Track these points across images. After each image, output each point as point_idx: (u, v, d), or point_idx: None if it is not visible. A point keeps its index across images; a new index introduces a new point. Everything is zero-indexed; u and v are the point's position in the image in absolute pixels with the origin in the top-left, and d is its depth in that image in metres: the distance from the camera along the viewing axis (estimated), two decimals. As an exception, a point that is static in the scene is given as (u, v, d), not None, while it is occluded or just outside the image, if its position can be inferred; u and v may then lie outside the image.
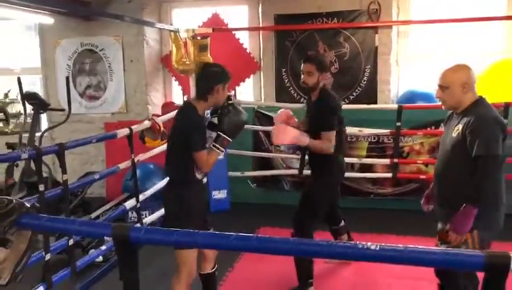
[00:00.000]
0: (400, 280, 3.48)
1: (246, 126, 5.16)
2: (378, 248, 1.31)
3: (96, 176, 3.67)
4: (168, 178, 2.94)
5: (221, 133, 2.73)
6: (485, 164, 2.35)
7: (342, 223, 3.81)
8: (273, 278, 3.69)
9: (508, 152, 2.51)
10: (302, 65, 3.36)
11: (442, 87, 2.51)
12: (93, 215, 4.88)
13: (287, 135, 3.18)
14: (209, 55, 5.31)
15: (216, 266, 3.07)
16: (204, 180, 3.44)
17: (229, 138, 2.74)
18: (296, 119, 3.55)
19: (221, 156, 5.13)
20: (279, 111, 3.56)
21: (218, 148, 2.72)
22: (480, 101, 2.49)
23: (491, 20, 5.14)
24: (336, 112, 3.32)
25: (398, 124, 4.90)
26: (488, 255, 1.29)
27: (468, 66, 2.57)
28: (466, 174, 2.39)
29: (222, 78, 2.78)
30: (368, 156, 5.24)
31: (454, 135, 2.48)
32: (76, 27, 6.03)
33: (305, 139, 3.21)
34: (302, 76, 3.37)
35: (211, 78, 2.76)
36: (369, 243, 1.31)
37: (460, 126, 2.45)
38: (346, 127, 5.07)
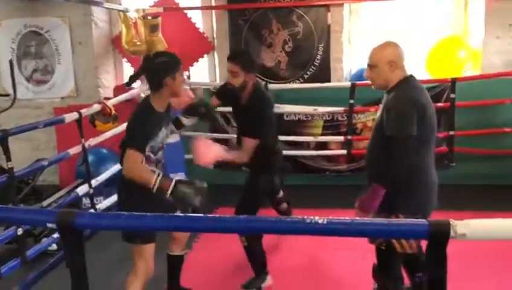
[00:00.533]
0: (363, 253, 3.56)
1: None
2: (325, 222, 1.32)
3: (46, 163, 3.54)
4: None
5: (173, 183, 2.42)
6: (397, 145, 2.30)
7: (285, 205, 3.92)
8: (232, 257, 3.70)
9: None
10: (227, 64, 3.04)
11: (370, 66, 2.48)
12: (45, 203, 4.73)
13: (209, 153, 2.93)
14: (160, 35, 5.19)
15: (186, 250, 3.05)
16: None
17: (169, 191, 2.41)
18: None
19: (176, 139, 5.08)
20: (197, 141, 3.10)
21: (156, 180, 2.40)
22: (406, 79, 2.42)
23: (439, -3, 5.27)
24: (266, 117, 3.10)
25: (352, 101, 4.97)
26: (431, 224, 1.33)
27: (396, 43, 2.53)
28: (382, 155, 2.35)
29: (169, 68, 2.53)
30: (323, 134, 5.31)
31: (378, 114, 2.49)
32: (19, 7, 5.72)
33: (230, 155, 3.12)
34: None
35: (157, 71, 2.54)
36: (316, 217, 1.32)
37: (382, 105, 2.45)
38: (302, 106, 5.19)
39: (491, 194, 4.72)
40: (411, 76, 2.46)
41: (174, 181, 2.41)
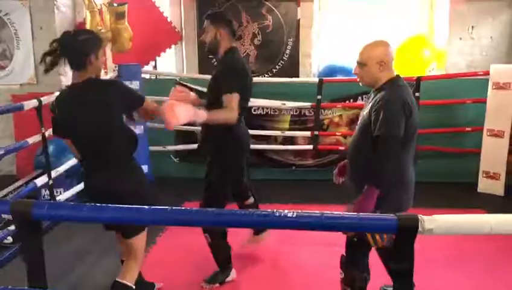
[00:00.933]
0: (326, 247, 3.59)
1: (167, 99, 5.04)
2: (295, 215, 1.31)
3: (2, 152, 3.38)
4: None
5: None
6: (384, 145, 2.30)
7: (251, 199, 3.47)
8: (197, 251, 3.65)
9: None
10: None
11: (360, 64, 2.45)
12: (1, 193, 4.53)
13: (180, 113, 2.46)
14: (126, 23, 5.05)
15: None
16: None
17: None
18: (195, 94, 3.06)
19: (140, 131, 4.96)
20: (172, 88, 2.95)
21: None
22: (394, 80, 2.42)
23: (406, -3, 5.36)
24: (240, 75, 2.81)
25: (319, 97, 5.00)
26: (399, 218, 1.33)
27: (387, 42, 2.49)
28: (370, 154, 2.35)
29: (93, 46, 2.40)
30: (290, 129, 5.31)
31: (364, 112, 2.47)
32: (-24, -12, 5.44)
33: (203, 114, 2.61)
34: None
35: (81, 49, 2.37)
36: (286, 211, 1.30)
37: (369, 105, 2.43)
38: (270, 100, 5.17)
39: (450, 191, 4.85)
40: (398, 76, 2.45)
41: None
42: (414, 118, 2.34)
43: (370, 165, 2.33)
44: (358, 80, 2.54)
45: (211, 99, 2.87)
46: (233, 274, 3.23)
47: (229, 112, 2.69)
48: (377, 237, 2.13)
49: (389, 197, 2.34)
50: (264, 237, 3.57)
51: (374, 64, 2.39)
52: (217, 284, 3.17)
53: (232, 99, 2.69)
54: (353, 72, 2.55)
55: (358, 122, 2.55)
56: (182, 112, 2.48)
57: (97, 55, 2.40)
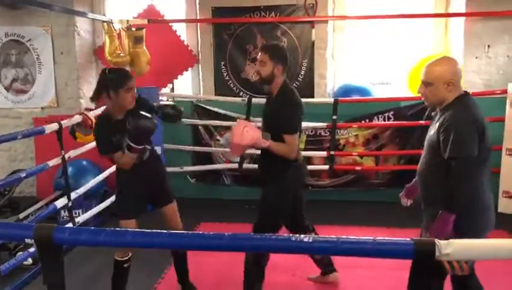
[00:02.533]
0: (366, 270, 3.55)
1: (185, 120, 5.12)
2: (311, 240, 1.31)
3: (23, 174, 3.46)
4: None
5: (126, 139, 2.79)
6: (458, 167, 2.19)
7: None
8: (214, 272, 3.65)
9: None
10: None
11: (425, 83, 2.33)
12: (21, 215, 4.62)
13: (250, 133, 2.76)
14: (144, 47, 5.17)
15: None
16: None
17: (131, 143, 2.78)
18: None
19: (158, 152, 5.03)
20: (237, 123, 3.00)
21: (127, 153, 2.83)
22: (462, 97, 2.30)
23: (421, 17, 5.38)
24: (299, 112, 2.94)
25: (334, 117, 5.01)
26: (416, 243, 1.33)
27: (454, 59, 2.39)
28: (441, 176, 2.25)
29: (109, 85, 2.80)
30: (305, 149, 5.31)
31: (431, 132, 2.37)
32: (0, 15, 5.64)
33: (266, 141, 2.81)
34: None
35: (99, 85, 2.87)
36: (302, 236, 1.31)
37: (437, 124, 2.31)
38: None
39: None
40: (466, 93, 2.33)
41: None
42: (487, 136, 2.23)
43: (443, 188, 2.22)
44: (422, 98, 2.44)
45: (269, 128, 2.94)
46: None
47: (290, 150, 2.84)
48: (455, 263, 1.92)
49: (465, 222, 2.23)
50: (332, 279, 3.31)
51: (441, 84, 2.28)
52: None
53: (294, 140, 2.86)
54: (417, 91, 2.44)
55: (425, 142, 2.44)
56: (250, 132, 2.76)
57: (115, 92, 2.80)
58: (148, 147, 2.97)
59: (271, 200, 2.94)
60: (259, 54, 2.93)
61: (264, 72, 2.88)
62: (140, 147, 2.83)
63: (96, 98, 2.87)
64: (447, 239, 1.90)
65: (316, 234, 3.26)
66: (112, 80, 2.79)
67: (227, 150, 5.42)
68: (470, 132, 2.19)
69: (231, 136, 2.85)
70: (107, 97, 2.82)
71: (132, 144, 2.78)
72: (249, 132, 2.76)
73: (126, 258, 3.09)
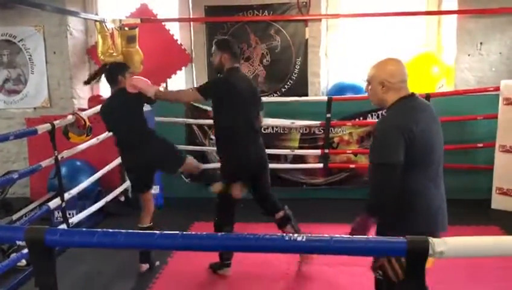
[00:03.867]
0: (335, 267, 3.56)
1: (179, 120, 5.10)
2: (304, 239, 1.31)
3: (16, 175, 3.43)
4: None
5: None
6: (376, 172, 2.19)
7: (281, 213, 3.60)
8: (208, 272, 3.65)
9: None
10: None
11: (367, 81, 2.34)
12: (15, 216, 4.59)
13: (137, 81, 3.46)
14: (137, 46, 5.14)
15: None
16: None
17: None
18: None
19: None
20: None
21: None
22: (400, 100, 2.23)
23: (414, 15, 5.39)
24: (219, 87, 3.41)
25: (328, 115, 5.01)
26: (409, 241, 1.33)
27: (396, 61, 2.33)
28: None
29: (119, 69, 3.59)
30: (300, 147, 5.32)
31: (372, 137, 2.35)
32: (-8, 15, 5.60)
33: (154, 88, 3.51)
34: None
35: (110, 71, 3.59)
36: (295, 235, 1.31)
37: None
38: (279, 119, 5.20)
39: (463, 208, 4.79)
40: (409, 96, 2.24)
41: None
42: (422, 139, 2.14)
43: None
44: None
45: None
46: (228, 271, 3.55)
47: (182, 94, 3.75)
48: (397, 268, 1.82)
49: (403, 225, 2.16)
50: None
51: (377, 84, 2.26)
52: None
53: (193, 92, 3.47)
54: (364, 89, 2.43)
55: None
56: (140, 81, 3.46)
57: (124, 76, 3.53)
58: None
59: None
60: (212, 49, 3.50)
61: (215, 62, 3.47)
62: None
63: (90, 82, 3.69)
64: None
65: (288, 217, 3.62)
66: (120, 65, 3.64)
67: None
68: (391, 138, 2.13)
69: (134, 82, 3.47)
70: (117, 81, 3.53)
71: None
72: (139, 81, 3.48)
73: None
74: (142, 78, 3.56)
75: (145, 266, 3.67)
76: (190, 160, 3.73)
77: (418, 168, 2.19)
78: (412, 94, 2.26)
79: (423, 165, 2.21)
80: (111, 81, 3.57)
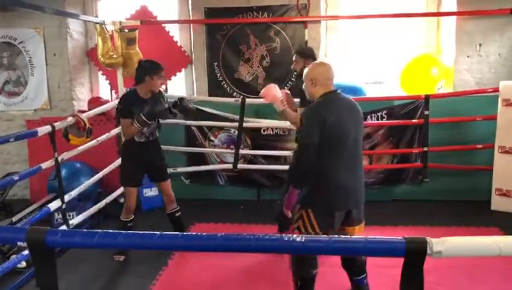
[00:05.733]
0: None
1: (178, 121, 5.11)
2: (303, 240, 1.32)
3: (16, 177, 3.44)
4: None
5: (140, 114, 3.57)
6: (298, 150, 2.79)
7: None
8: (208, 272, 3.66)
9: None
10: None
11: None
12: (15, 218, 4.60)
13: (274, 92, 3.57)
14: (137, 48, 5.15)
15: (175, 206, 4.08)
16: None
17: (143, 117, 3.57)
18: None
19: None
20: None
21: (135, 123, 3.60)
22: (324, 95, 2.73)
23: (413, 17, 5.40)
24: None
25: (328, 116, 5.02)
26: (407, 241, 1.34)
27: (323, 63, 2.86)
28: None
29: (150, 71, 3.68)
30: (300, 149, 5.32)
31: None
32: (-8, 18, 5.61)
33: (285, 105, 3.56)
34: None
35: (141, 70, 3.70)
36: (294, 235, 1.32)
37: None
38: (279, 121, 5.20)
39: (463, 210, 4.81)
40: (332, 92, 2.75)
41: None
42: (331, 127, 2.60)
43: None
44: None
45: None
46: None
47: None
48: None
49: (314, 197, 2.71)
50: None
51: (308, 80, 2.80)
52: None
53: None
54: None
55: None
56: (275, 93, 3.57)
57: (151, 78, 3.68)
58: (156, 134, 3.89)
59: None
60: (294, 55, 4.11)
61: (297, 69, 4.06)
62: (147, 120, 3.59)
63: (139, 81, 3.70)
64: (293, 210, 2.74)
65: None
66: (149, 67, 3.68)
67: (219, 150, 5.44)
68: (310, 123, 2.66)
69: (263, 91, 3.66)
70: (140, 79, 3.69)
71: (143, 116, 3.56)
72: (276, 91, 3.60)
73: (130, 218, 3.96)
74: (274, 87, 3.62)
75: (121, 257, 3.90)
76: None
77: (328, 151, 2.64)
78: (334, 91, 2.76)
79: (333, 149, 2.65)
80: (138, 78, 3.71)
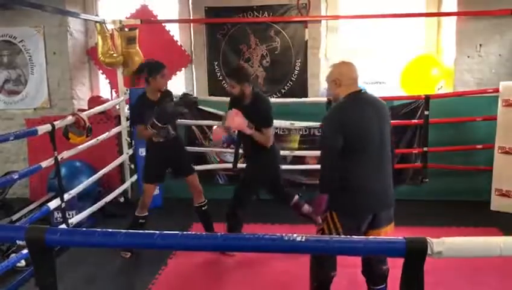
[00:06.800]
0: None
1: (179, 120, 5.09)
2: (304, 239, 1.31)
3: (16, 176, 3.43)
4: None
5: (153, 120, 3.58)
6: (321, 155, 2.69)
7: (296, 197, 4.01)
8: (208, 271, 3.66)
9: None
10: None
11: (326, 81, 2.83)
12: (14, 217, 4.60)
13: (240, 119, 3.55)
14: (137, 47, 5.15)
15: (203, 200, 4.13)
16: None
17: (155, 121, 3.57)
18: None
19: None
20: (230, 111, 3.73)
21: (149, 128, 3.63)
22: (348, 95, 2.65)
23: (413, 17, 5.40)
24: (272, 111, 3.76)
25: (328, 116, 5.02)
26: (408, 241, 1.33)
27: (346, 63, 2.80)
28: None
29: (151, 71, 3.75)
30: (299, 148, 5.33)
31: None
32: (-8, 16, 5.60)
33: (252, 128, 3.58)
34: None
35: (143, 72, 3.82)
36: (295, 235, 1.31)
37: None
38: (279, 120, 5.20)
39: (463, 210, 4.81)
40: (356, 92, 2.67)
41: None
42: (354, 129, 2.55)
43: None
44: None
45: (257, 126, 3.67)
46: None
47: (267, 138, 3.66)
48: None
49: (338, 201, 2.61)
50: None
51: (331, 81, 2.72)
52: None
53: (270, 132, 3.70)
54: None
55: None
56: (241, 118, 3.55)
57: (154, 77, 3.75)
58: (172, 132, 3.89)
59: (253, 172, 3.82)
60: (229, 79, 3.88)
61: (235, 92, 3.74)
62: (161, 125, 3.60)
63: (134, 81, 3.87)
64: (323, 215, 2.61)
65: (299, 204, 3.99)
66: (148, 68, 3.75)
67: (220, 149, 5.43)
68: (331, 127, 2.62)
69: (226, 119, 3.64)
70: (146, 81, 3.78)
71: (155, 121, 3.56)
72: (241, 118, 3.56)
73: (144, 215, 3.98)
74: (237, 114, 3.60)
75: (127, 254, 3.90)
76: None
77: (353, 153, 2.57)
78: (358, 91, 2.67)
79: (359, 151, 2.58)
80: (145, 80, 3.82)
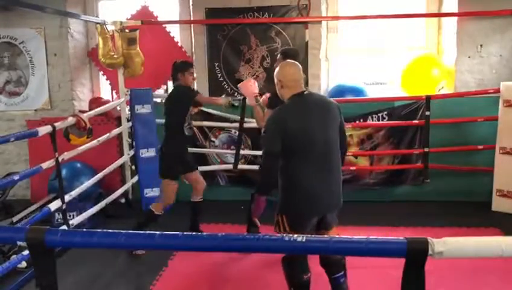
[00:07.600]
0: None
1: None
2: (304, 240, 1.31)
3: (16, 177, 3.43)
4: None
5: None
6: (262, 158, 2.64)
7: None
8: (208, 272, 3.65)
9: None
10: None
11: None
12: (15, 218, 4.60)
13: (252, 87, 3.72)
14: (138, 48, 5.15)
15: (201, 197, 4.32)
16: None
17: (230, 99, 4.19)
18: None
19: (152, 154, 5.01)
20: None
21: (230, 102, 4.19)
22: (291, 97, 2.60)
23: (414, 17, 5.40)
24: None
25: (329, 117, 5.01)
26: (409, 241, 1.33)
27: (291, 64, 2.71)
28: None
29: (181, 69, 4.05)
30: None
31: None
32: (-8, 17, 5.61)
33: (257, 102, 3.66)
34: None
35: (174, 70, 4.07)
36: (295, 235, 1.31)
37: None
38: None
39: (464, 210, 4.80)
40: (299, 94, 2.60)
41: None
42: (295, 131, 2.49)
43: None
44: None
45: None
46: None
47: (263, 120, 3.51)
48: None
49: (283, 203, 2.61)
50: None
51: (276, 82, 2.68)
52: None
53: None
54: None
55: None
56: (252, 88, 3.70)
57: (182, 74, 4.02)
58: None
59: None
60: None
61: None
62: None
63: (175, 80, 4.07)
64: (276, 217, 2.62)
65: None
66: (178, 66, 4.06)
67: (221, 151, 5.43)
68: (270, 131, 2.58)
69: (242, 85, 3.86)
70: (174, 79, 4.10)
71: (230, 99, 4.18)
72: (251, 85, 3.78)
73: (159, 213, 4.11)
74: (252, 84, 3.80)
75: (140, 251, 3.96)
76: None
77: (296, 156, 2.52)
78: (302, 92, 2.61)
79: (301, 153, 2.53)
80: (173, 77, 4.07)
